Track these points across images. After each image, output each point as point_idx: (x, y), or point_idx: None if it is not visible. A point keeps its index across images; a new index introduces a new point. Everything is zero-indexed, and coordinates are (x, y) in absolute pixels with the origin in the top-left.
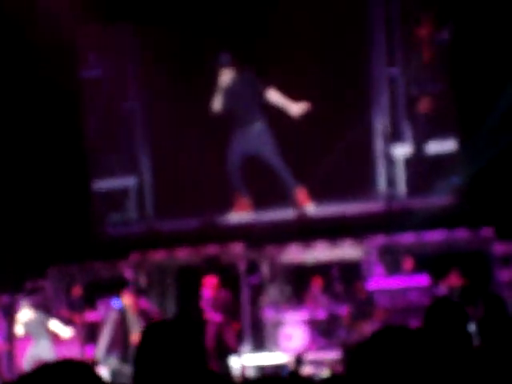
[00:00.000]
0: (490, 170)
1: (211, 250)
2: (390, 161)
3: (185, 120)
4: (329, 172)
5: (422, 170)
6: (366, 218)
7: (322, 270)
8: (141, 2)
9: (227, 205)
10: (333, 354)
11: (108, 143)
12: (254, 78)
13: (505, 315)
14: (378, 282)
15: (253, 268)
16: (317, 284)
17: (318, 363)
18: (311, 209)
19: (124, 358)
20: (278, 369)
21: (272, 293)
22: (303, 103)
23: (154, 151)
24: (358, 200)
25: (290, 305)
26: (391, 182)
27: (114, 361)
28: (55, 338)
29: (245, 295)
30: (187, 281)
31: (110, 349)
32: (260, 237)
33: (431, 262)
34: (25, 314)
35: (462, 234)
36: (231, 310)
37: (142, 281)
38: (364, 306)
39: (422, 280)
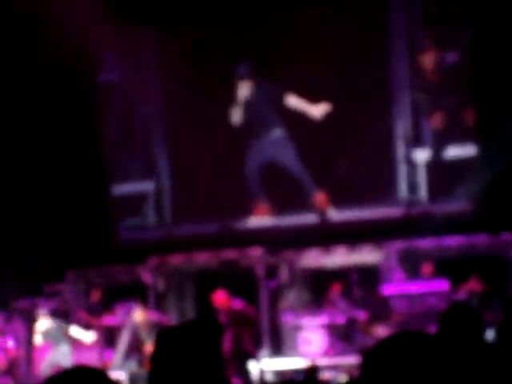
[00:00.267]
0: (509, 174)
1: (230, 254)
2: (411, 165)
3: (203, 124)
4: (349, 176)
5: (443, 174)
6: (386, 223)
7: (341, 274)
8: (162, 6)
9: (246, 209)
10: (351, 359)
11: (126, 148)
12: (270, 87)
13: None
14: (397, 286)
15: (271, 272)
16: (336, 289)
17: (336, 368)
18: (331, 213)
19: (142, 363)
20: (296, 374)
21: (290, 297)
22: (323, 104)
23: (173, 156)
24: (379, 205)
25: (309, 309)
26: (412, 186)
27: (132, 365)
28: (75, 342)
29: (263, 300)
30: (206, 285)
31: (129, 353)
32: (279, 241)
33: (451, 267)
34: (43, 323)
35: (481, 239)
36: (246, 320)
37: (161, 285)
38: (380, 311)
39: (442, 285)
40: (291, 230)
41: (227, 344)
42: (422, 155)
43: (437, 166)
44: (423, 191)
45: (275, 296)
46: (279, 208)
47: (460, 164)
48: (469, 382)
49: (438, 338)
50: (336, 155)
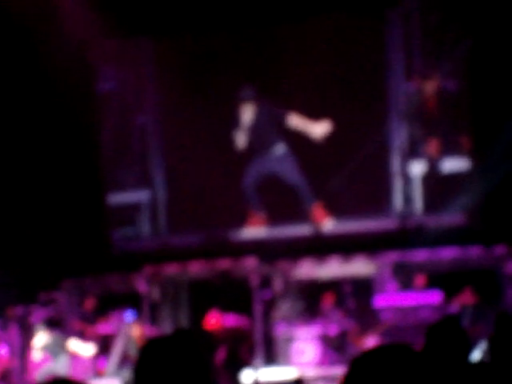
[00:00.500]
0: (503, 188)
1: (224, 264)
2: (406, 178)
3: (199, 135)
4: (344, 188)
5: (438, 187)
6: (380, 235)
7: (335, 285)
8: (159, 16)
9: (240, 220)
10: (343, 370)
11: (122, 157)
12: (272, 108)
13: None
14: (390, 298)
15: (265, 283)
16: (328, 300)
17: (328, 379)
18: (328, 225)
19: None
20: None
21: (284, 308)
22: (324, 123)
23: (168, 166)
24: (374, 217)
25: (302, 320)
26: (407, 199)
27: (126, 373)
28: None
29: (257, 310)
30: (200, 295)
31: (123, 361)
32: (273, 252)
33: (444, 280)
34: (41, 339)
35: (475, 252)
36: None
37: (155, 294)
38: (372, 322)
39: (434, 297)
40: (285, 240)
41: (221, 354)
42: (417, 168)
43: (432, 179)
44: (418, 204)
45: (269, 306)
46: (274, 219)
47: (454, 177)
48: None
49: (421, 353)
50: (332, 167)
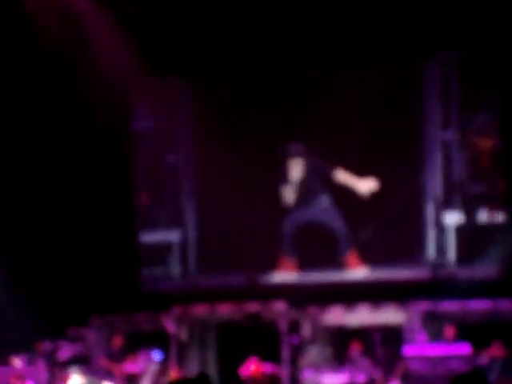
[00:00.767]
0: None
1: (253, 307)
2: (440, 228)
3: (231, 177)
4: (378, 236)
5: (472, 239)
6: (412, 284)
7: (364, 333)
8: (197, 58)
9: (271, 263)
10: None
11: (155, 195)
12: (319, 162)
13: None
14: (419, 348)
15: (294, 328)
16: (356, 348)
17: None
18: (361, 273)
19: None
20: None
21: (312, 354)
22: (370, 181)
23: (199, 206)
24: (406, 265)
25: (330, 367)
26: (440, 249)
27: None
28: None
29: (285, 355)
30: (228, 337)
31: None
32: (302, 297)
33: (474, 332)
34: (76, 381)
35: (506, 305)
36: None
37: (183, 335)
38: (400, 372)
39: (464, 349)
40: (315, 286)
41: None
42: (451, 218)
43: (467, 230)
44: (451, 254)
45: (297, 351)
46: (304, 265)
47: (489, 229)
48: None
49: None
50: (366, 215)
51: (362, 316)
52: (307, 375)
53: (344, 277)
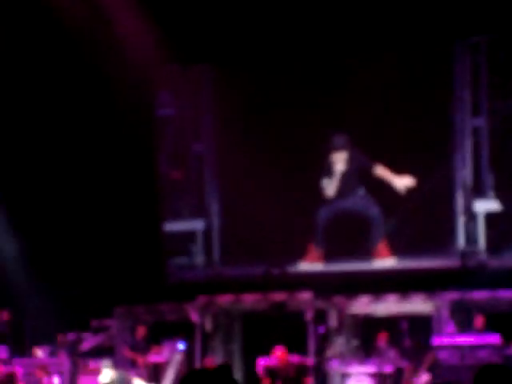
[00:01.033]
0: None
1: (278, 296)
2: (470, 216)
3: (257, 165)
4: (407, 225)
5: (504, 227)
6: (441, 273)
7: (391, 323)
8: (222, 45)
9: (295, 253)
10: None
11: (178, 184)
12: (361, 156)
13: None
14: (448, 338)
15: (320, 318)
16: (383, 338)
17: None
18: (391, 262)
19: None
20: None
21: (338, 344)
22: (408, 178)
23: (223, 195)
24: (436, 255)
25: (356, 357)
26: (470, 237)
27: None
28: None
29: (311, 344)
30: (253, 326)
31: None
32: (329, 287)
33: (504, 321)
34: (106, 375)
35: None
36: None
37: (208, 325)
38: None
39: (493, 338)
40: (342, 275)
41: None
42: (482, 206)
43: (499, 218)
44: (482, 243)
45: (323, 342)
46: (332, 254)
47: None
48: None
49: None
50: (394, 203)
51: (389, 306)
52: (334, 365)
53: (371, 266)
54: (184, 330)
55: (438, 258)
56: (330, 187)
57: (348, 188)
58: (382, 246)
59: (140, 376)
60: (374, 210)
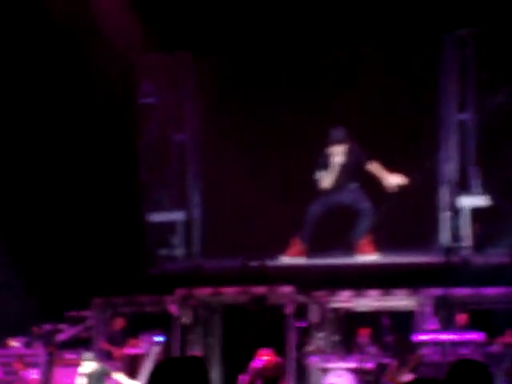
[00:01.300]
0: None
1: (259, 290)
2: (455, 212)
3: (239, 156)
4: (392, 221)
5: (489, 223)
6: (424, 270)
7: (373, 318)
8: (203, 33)
9: (277, 246)
10: None
11: (160, 175)
12: (358, 150)
13: None
14: (430, 334)
15: (301, 312)
16: (365, 334)
17: None
18: (375, 258)
19: None
20: None
21: (319, 339)
22: (399, 176)
23: (205, 186)
24: (420, 250)
25: (337, 352)
26: (455, 234)
27: None
28: None
29: (291, 339)
30: (233, 320)
31: None
32: (311, 281)
33: (487, 319)
34: (89, 366)
35: None
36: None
37: (187, 317)
38: (410, 359)
39: (476, 336)
40: (324, 270)
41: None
42: (466, 202)
43: (485, 214)
44: (466, 239)
45: (303, 336)
46: (315, 249)
47: (504, 214)
48: None
49: None
50: (379, 199)
51: (371, 301)
52: (313, 361)
53: (354, 261)
54: (163, 323)
55: (422, 254)
56: (326, 179)
57: (343, 180)
58: (365, 241)
59: (116, 369)
60: (365, 205)
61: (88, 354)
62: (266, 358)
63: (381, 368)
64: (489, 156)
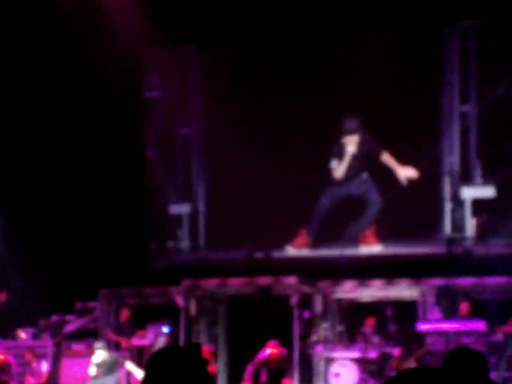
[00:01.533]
0: None
1: (264, 280)
2: (457, 203)
3: (244, 149)
4: (395, 211)
5: (492, 213)
6: (427, 260)
7: (376, 308)
8: (208, 26)
9: (282, 237)
10: None
11: (165, 168)
12: (371, 141)
13: None
14: (433, 323)
15: (305, 302)
16: (370, 323)
17: None
18: (379, 249)
19: None
20: None
21: (323, 329)
22: (411, 169)
23: (210, 179)
24: (422, 241)
25: (341, 342)
26: (457, 224)
27: None
28: None
29: (295, 329)
30: (238, 310)
31: None
32: (315, 271)
33: (490, 308)
34: (99, 355)
35: None
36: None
37: (193, 308)
38: (414, 348)
39: (479, 325)
40: (328, 261)
41: (263, 377)
42: (469, 193)
43: (487, 204)
44: (468, 230)
45: (308, 326)
46: (320, 239)
47: (506, 205)
48: None
49: (444, 376)
50: (382, 190)
51: (374, 291)
52: (318, 350)
53: (358, 252)
54: (169, 314)
55: (425, 245)
56: (339, 168)
57: (355, 170)
58: (370, 232)
59: (124, 359)
60: (374, 196)
61: (99, 343)
62: (271, 349)
63: (384, 357)
64: (491, 147)
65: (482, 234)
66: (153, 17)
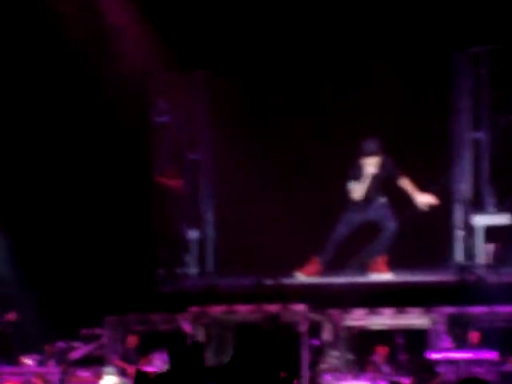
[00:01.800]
0: None
1: (273, 308)
2: (469, 230)
3: (253, 174)
4: (406, 239)
5: (503, 242)
6: (438, 288)
7: (387, 337)
8: (217, 52)
9: (291, 264)
10: None
11: (173, 193)
12: (392, 164)
13: None
14: (444, 352)
15: (315, 330)
16: (380, 353)
17: None
18: (389, 277)
19: None
20: None
21: (333, 357)
22: (429, 196)
23: (218, 205)
24: (434, 269)
25: (351, 371)
26: (469, 252)
27: None
28: None
29: (304, 358)
30: (246, 338)
31: None
32: (324, 299)
33: (501, 337)
34: (109, 381)
35: None
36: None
37: (200, 335)
38: (425, 377)
39: (490, 354)
40: (338, 288)
41: None
42: (481, 220)
43: (498, 233)
44: (480, 258)
45: (317, 354)
46: (330, 266)
47: None
48: None
49: None
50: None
51: (385, 319)
52: (327, 379)
53: (368, 279)
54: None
55: (436, 273)
56: (358, 190)
57: (373, 192)
58: (381, 260)
59: None
60: (391, 223)
61: (109, 368)
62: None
63: None
64: (503, 174)
65: (496, 261)
66: (162, 42)
